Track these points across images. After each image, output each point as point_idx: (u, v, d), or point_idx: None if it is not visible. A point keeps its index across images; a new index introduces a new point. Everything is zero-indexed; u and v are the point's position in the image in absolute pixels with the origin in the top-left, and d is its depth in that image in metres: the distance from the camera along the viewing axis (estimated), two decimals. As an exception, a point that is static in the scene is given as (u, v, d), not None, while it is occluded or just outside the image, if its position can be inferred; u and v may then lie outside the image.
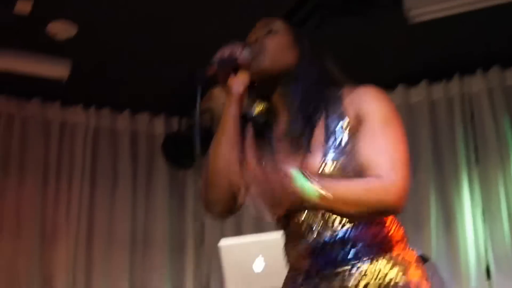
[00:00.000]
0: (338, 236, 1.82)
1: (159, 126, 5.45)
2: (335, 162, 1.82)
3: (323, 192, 1.65)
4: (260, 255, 3.83)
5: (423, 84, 4.82)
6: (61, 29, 4.33)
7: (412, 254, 1.85)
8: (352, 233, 1.80)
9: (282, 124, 2.01)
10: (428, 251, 4.22)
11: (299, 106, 1.94)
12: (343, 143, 1.85)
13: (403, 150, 1.83)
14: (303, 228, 1.85)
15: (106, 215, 5.12)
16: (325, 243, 1.82)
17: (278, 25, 2.01)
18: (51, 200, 4.98)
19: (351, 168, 1.81)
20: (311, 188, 1.68)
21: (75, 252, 4.91)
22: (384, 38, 4.37)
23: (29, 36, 4.36)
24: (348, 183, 1.77)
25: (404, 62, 4.71)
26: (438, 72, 4.81)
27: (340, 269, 1.80)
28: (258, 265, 3.83)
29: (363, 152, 1.84)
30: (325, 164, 1.82)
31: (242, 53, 1.90)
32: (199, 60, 4.83)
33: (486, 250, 4.50)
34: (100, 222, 5.08)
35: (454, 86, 4.78)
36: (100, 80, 4.89)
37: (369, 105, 1.90)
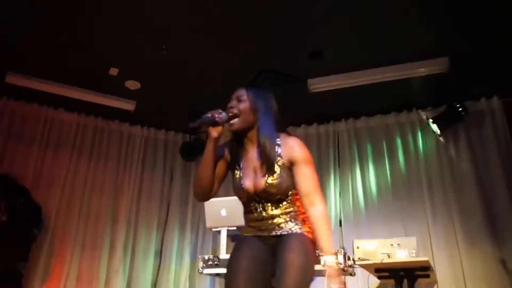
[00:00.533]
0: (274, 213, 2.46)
1: (179, 138, 7.11)
2: (271, 185, 2.46)
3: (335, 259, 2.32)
4: (224, 208, 4.81)
5: (314, 125, 6.56)
6: (131, 84, 5.64)
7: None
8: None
9: (248, 154, 2.58)
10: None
11: (263, 144, 2.49)
12: (279, 173, 2.49)
13: (316, 176, 2.48)
14: (256, 208, 2.52)
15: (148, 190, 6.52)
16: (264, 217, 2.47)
17: (244, 95, 2.58)
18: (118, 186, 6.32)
19: (279, 185, 2.46)
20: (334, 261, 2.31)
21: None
22: (291, 103, 5.34)
23: (114, 87, 5.72)
24: (325, 228, 2.38)
25: (302, 113, 6.21)
26: (315, 119, 6.32)
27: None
28: (223, 212, 4.79)
29: (299, 178, 2.46)
30: (267, 183, 2.46)
31: (220, 116, 2.45)
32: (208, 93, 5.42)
33: (340, 212, 6.13)
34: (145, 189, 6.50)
35: (329, 127, 6.48)
36: (153, 115, 6.45)
37: (298, 153, 2.50)
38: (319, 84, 5.43)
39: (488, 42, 4.82)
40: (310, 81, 5.42)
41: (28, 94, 6.00)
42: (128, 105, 6.17)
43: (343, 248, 4.23)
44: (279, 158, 2.51)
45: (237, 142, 2.64)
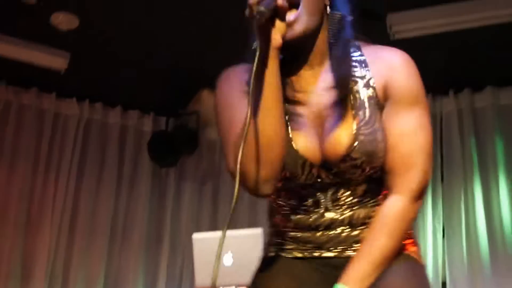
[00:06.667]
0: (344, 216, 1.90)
1: (148, 124, 6.00)
2: (362, 144, 1.80)
3: None
4: (230, 251, 4.11)
5: None
6: (63, 21, 4.78)
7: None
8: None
9: (305, 87, 1.92)
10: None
11: (337, 62, 1.87)
12: (371, 119, 1.84)
13: (426, 136, 1.83)
14: (309, 203, 1.91)
15: (90, 205, 5.57)
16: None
17: None
18: (39, 187, 5.42)
19: (375, 147, 1.81)
20: None
21: (57, 239, 5.36)
22: None
23: (32, 25, 4.76)
24: (384, 240, 1.80)
25: None
26: None
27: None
28: (227, 260, 4.11)
29: (394, 131, 1.83)
30: (354, 145, 1.80)
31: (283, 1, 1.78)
32: (191, 66, 5.30)
33: (443, 265, 4.99)
34: (83, 213, 5.54)
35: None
36: (96, 75, 5.39)
37: (399, 82, 1.85)
38: (409, 24, 4.62)
39: None
40: (391, 18, 4.60)
41: None
42: (57, 60, 5.21)
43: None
44: (369, 89, 1.80)
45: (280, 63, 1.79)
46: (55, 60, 5.15)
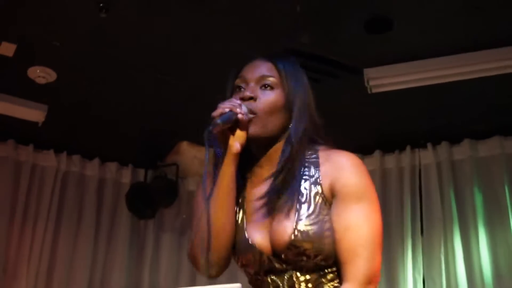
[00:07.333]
0: None
1: (126, 176, 5.97)
2: (304, 234, 1.91)
3: None
4: None
5: (376, 154, 5.40)
6: (41, 75, 4.78)
7: None
8: None
9: (258, 183, 2.08)
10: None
11: (286, 165, 2.00)
12: (315, 212, 1.95)
13: (372, 228, 1.93)
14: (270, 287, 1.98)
15: (67, 257, 5.49)
16: None
17: (273, 78, 2.06)
18: (15, 239, 5.33)
19: (318, 237, 1.92)
20: None
21: None
22: (343, 106, 4.82)
23: (9, 78, 4.77)
24: None
25: (359, 131, 5.20)
26: (391, 144, 5.40)
27: None
28: None
29: (339, 225, 1.93)
30: (295, 234, 1.90)
31: (242, 110, 1.97)
32: (165, 117, 5.37)
33: None
34: (60, 265, 5.45)
35: (406, 157, 5.35)
36: (73, 127, 5.37)
37: (344, 180, 1.97)
38: (387, 78, 4.60)
39: None
40: (368, 72, 4.57)
41: None
42: (34, 113, 5.16)
43: None
44: (316, 187, 1.95)
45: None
46: (32, 113, 5.11)
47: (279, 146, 2.05)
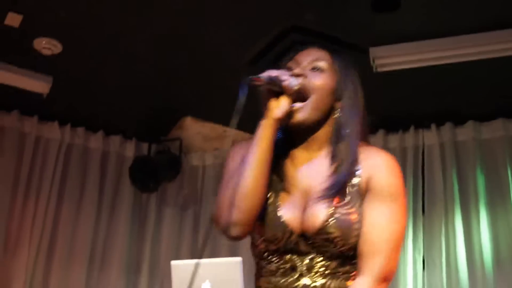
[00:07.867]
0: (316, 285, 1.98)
1: (130, 150, 5.94)
2: (337, 222, 1.96)
3: None
4: (208, 279, 4.01)
5: (380, 133, 5.35)
6: (47, 46, 4.74)
7: None
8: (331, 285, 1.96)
9: (298, 166, 2.12)
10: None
11: (340, 153, 2.04)
12: (350, 203, 2.01)
13: (396, 230, 1.99)
14: (287, 267, 2.02)
15: (69, 230, 5.49)
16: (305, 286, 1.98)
17: (324, 62, 2.13)
18: (18, 210, 5.34)
19: (348, 227, 1.96)
20: None
21: (35, 264, 5.26)
22: None
23: (15, 49, 4.75)
24: None
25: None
26: (395, 123, 5.36)
27: None
28: None
29: (367, 221, 1.99)
30: (328, 221, 1.95)
31: (289, 79, 2.00)
32: (171, 91, 5.39)
33: None
34: (62, 237, 5.45)
35: (409, 137, 5.32)
36: (78, 99, 5.35)
37: (380, 178, 2.03)
38: (392, 58, 4.52)
39: None
40: (373, 51, 4.48)
41: None
42: (39, 85, 5.09)
43: None
44: (355, 179, 1.99)
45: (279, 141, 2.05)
46: (37, 84, 5.10)
47: (322, 132, 2.11)
